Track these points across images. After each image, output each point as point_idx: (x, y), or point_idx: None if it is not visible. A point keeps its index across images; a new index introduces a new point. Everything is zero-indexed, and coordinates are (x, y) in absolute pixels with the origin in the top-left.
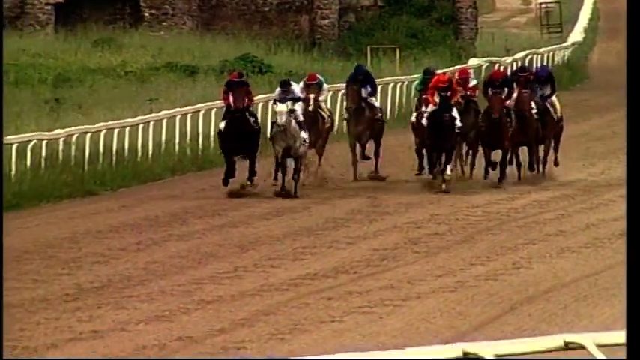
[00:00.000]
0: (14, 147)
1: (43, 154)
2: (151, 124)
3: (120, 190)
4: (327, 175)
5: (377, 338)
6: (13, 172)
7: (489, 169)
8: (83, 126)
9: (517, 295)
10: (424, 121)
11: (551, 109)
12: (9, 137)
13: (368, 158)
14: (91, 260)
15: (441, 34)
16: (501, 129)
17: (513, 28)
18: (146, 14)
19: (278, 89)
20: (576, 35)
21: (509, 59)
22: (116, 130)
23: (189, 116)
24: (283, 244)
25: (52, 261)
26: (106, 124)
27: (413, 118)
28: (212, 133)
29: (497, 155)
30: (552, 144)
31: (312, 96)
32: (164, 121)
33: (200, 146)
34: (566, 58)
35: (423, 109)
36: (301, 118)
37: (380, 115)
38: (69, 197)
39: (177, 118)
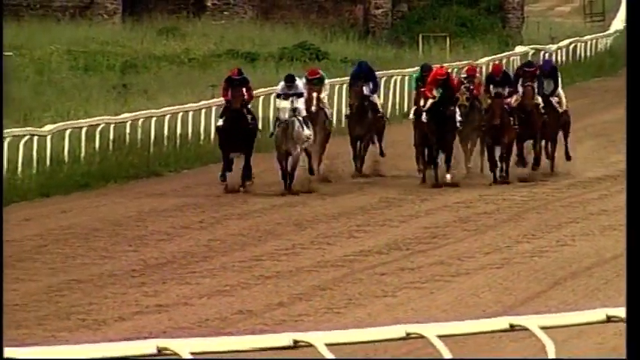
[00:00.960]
0: (84, 130)
1: (111, 136)
2: (213, 108)
3: (183, 172)
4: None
5: (427, 312)
6: (83, 154)
7: (494, 167)
8: (149, 110)
9: (561, 271)
10: (424, 117)
11: (556, 104)
12: (79, 120)
13: (362, 161)
14: (156, 238)
15: (489, 22)
16: (502, 129)
17: (558, 17)
18: (208, 4)
19: (282, 84)
20: (618, 23)
21: (553, 47)
22: (180, 115)
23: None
24: (338, 222)
25: (119, 238)
26: (171, 109)
27: (412, 115)
28: (270, 117)
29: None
30: (558, 138)
31: (314, 95)
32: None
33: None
34: (608, 45)
35: (422, 103)
36: (304, 113)
37: (381, 113)
38: (135, 178)
39: None
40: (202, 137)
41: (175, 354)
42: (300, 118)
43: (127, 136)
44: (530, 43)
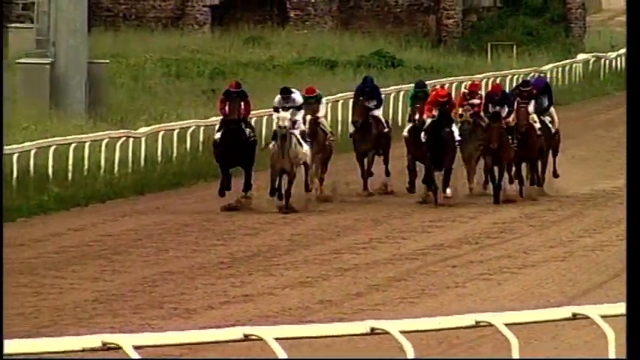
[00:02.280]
0: (175, 132)
1: (201, 138)
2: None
3: (268, 170)
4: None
5: (495, 302)
6: (175, 155)
7: (496, 187)
8: None
9: (620, 264)
10: (422, 136)
11: (548, 122)
12: (171, 123)
13: (371, 174)
14: (242, 232)
15: (553, 31)
16: (500, 150)
17: (618, 27)
18: (291, 15)
19: (278, 97)
20: None
21: (613, 54)
22: (264, 118)
23: (329, 105)
24: (412, 218)
25: (209, 233)
26: (256, 112)
27: (405, 133)
28: (348, 120)
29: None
30: (550, 156)
31: (308, 117)
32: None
33: (339, 132)
34: None
35: (417, 117)
36: (303, 127)
37: (387, 129)
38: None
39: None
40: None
41: (260, 339)
42: (298, 133)
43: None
44: (592, 51)
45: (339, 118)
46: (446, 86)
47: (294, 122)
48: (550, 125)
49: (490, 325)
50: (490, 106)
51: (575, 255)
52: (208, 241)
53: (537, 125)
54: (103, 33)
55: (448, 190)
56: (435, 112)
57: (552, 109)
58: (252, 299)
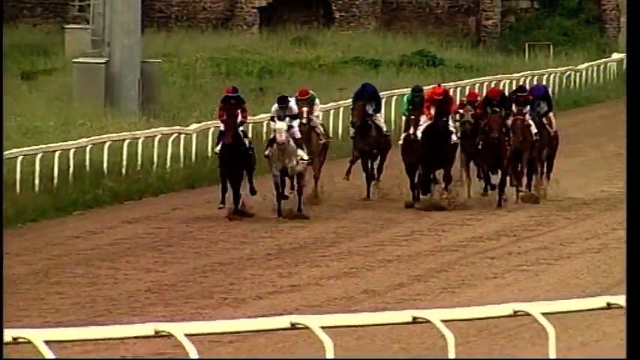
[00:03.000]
0: None
1: (249, 135)
2: (341, 109)
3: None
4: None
5: (532, 292)
6: None
7: (488, 187)
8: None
9: None
10: (419, 134)
11: (547, 126)
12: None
13: (373, 177)
14: (289, 225)
15: (588, 32)
16: (500, 148)
17: None
18: (337, 16)
19: (275, 106)
20: None
21: None
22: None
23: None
24: (453, 212)
25: (257, 225)
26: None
27: (401, 141)
28: (392, 117)
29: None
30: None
31: (305, 109)
32: (347, 110)
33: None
34: None
35: (411, 131)
36: (298, 135)
37: (385, 133)
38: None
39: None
40: (331, 134)
41: (307, 328)
42: (296, 137)
43: (264, 135)
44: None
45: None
46: (485, 84)
47: (289, 127)
48: (549, 129)
49: (528, 314)
50: (488, 109)
51: (610, 247)
52: (256, 233)
53: (534, 130)
54: (155, 33)
55: (446, 190)
56: (432, 112)
57: (551, 114)
58: (298, 289)
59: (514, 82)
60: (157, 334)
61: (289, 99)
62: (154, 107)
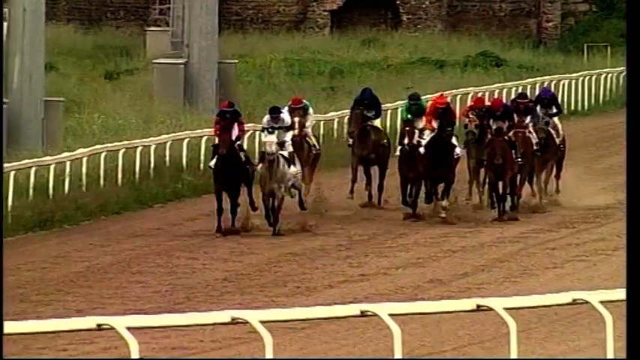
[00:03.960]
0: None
1: (321, 131)
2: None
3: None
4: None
5: (591, 281)
6: None
7: (498, 202)
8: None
9: None
10: (421, 149)
11: (554, 133)
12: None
13: (376, 187)
14: (360, 217)
15: None
16: (504, 166)
17: None
18: (404, 18)
19: (267, 117)
20: None
21: None
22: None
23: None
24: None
25: (329, 218)
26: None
27: (397, 152)
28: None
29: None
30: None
31: (297, 119)
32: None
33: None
34: None
35: (406, 140)
36: (291, 148)
37: (385, 140)
38: (343, 167)
39: (428, 103)
40: (397, 132)
41: (375, 315)
42: (286, 154)
43: (335, 131)
44: None
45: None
46: (545, 84)
47: (282, 143)
48: (555, 136)
49: (586, 302)
50: (492, 121)
51: None
52: (328, 225)
53: (534, 141)
54: (232, 35)
55: (444, 202)
56: (434, 124)
57: (557, 121)
58: (367, 278)
59: (573, 82)
60: (234, 321)
61: (281, 110)
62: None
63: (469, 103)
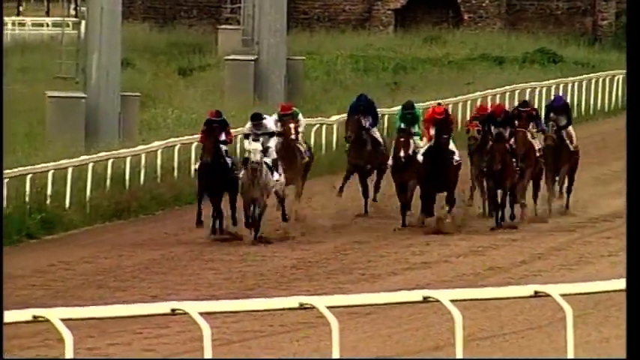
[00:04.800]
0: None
1: (385, 124)
2: (468, 102)
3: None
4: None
5: None
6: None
7: (497, 209)
8: (416, 104)
9: None
10: (419, 157)
11: (567, 140)
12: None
13: (367, 194)
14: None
15: None
16: (503, 172)
17: None
18: (465, 17)
19: (249, 124)
20: None
21: None
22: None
23: (497, 97)
24: (573, 197)
25: (392, 209)
26: (433, 102)
27: (390, 161)
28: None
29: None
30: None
31: (292, 125)
32: (479, 100)
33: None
34: None
35: (402, 154)
36: (275, 155)
37: (382, 147)
38: None
39: (489, 97)
40: (459, 127)
41: (437, 301)
42: (270, 161)
43: (386, 130)
44: None
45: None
46: (600, 80)
47: (265, 150)
48: (568, 143)
49: None
50: (492, 127)
51: None
52: (388, 214)
53: (537, 146)
54: (300, 33)
55: (445, 210)
56: (432, 132)
57: (570, 128)
58: (429, 266)
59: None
60: (301, 307)
61: (264, 116)
62: (298, 100)
63: (495, 103)
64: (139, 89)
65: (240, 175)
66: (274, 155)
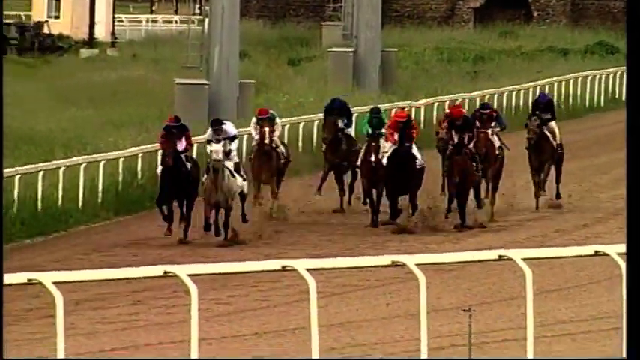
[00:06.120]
0: (446, 103)
1: (466, 107)
2: (538, 87)
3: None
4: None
5: None
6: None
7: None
8: (492, 89)
9: None
10: (384, 161)
11: (550, 136)
12: (446, 96)
13: (344, 191)
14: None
15: None
16: (464, 181)
17: None
18: (535, 14)
19: (210, 130)
20: None
21: None
22: (514, 92)
23: (563, 83)
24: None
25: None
26: (508, 88)
27: (359, 163)
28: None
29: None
30: (554, 172)
31: (266, 129)
32: (547, 86)
33: (570, 103)
34: None
35: (372, 158)
36: (237, 159)
37: (357, 147)
38: None
39: (555, 85)
40: (516, 112)
41: (510, 259)
42: (232, 165)
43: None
44: None
45: (571, 92)
46: None
47: (227, 153)
48: (551, 139)
49: None
50: (453, 132)
51: None
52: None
53: (497, 144)
54: (392, 28)
55: (411, 214)
56: (396, 137)
57: (553, 123)
58: (504, 229)
59: None
60: (394, 264)
61: (224, 122)
62: (391, 87)
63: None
64: (254, 77)
65: (203, 180)
66: (236, 159)
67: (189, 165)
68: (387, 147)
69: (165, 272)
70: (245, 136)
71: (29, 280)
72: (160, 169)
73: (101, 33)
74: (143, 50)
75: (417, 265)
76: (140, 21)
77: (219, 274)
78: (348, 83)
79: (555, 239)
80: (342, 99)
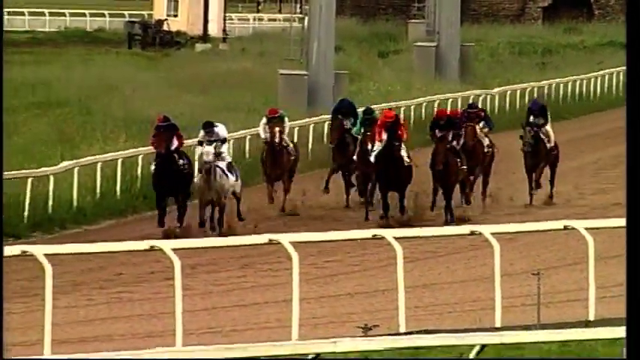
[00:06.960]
0: (518, 92)
1: (528, 98)
2: (599, 78)
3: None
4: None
5: None
6: (518, 107)
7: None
8: (559, 79)
9: None
10: (372, 158)
11: (545, 139)
12: (514, 86)
13: (352, 185)
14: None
15: None
16: (446, 172)
17: None
18: (596, 12)
19: (202, 132)
20: None
21: None
22: (577, 82)
23: (621, 74)
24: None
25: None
26: (573, 78)
27: (355, 156)
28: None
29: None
30: (549, 174)
31: (277, 129)
32: (606, 77)
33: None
34: None
35: (369, 146)
36: (229, 159)
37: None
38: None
39: (614, 75)
40: (594, 97)
41: (574, 229)
42: (224, 165)
43: (553, 97)
44: None
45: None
46: None
47: (218, 154)
48: (546, 142)
49: None
50: (437, 131)
51: None
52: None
53: (486, 142)
54: (470, 25)
55: (400, 212)
56: (384, 136)
57: (548, 127)
58: (569, 201)
59: None
60: (471, 233)
61: (215, 124)
62: (469, 77)
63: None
64: (348, 68)
65: (196, 180)
66: (228, 159)
67: (181, 161)
68: (375, 146)
69: (269, 240)
70: (311, 125)
71: (151, 247)
72: (152, 167)
73: (214, 30)
74: (250, 45)
75: (492, 234)
76: (248, 19)
77: (315, 242)
78: (431, 74)
79: (614, 211)
80: (350, 100)
